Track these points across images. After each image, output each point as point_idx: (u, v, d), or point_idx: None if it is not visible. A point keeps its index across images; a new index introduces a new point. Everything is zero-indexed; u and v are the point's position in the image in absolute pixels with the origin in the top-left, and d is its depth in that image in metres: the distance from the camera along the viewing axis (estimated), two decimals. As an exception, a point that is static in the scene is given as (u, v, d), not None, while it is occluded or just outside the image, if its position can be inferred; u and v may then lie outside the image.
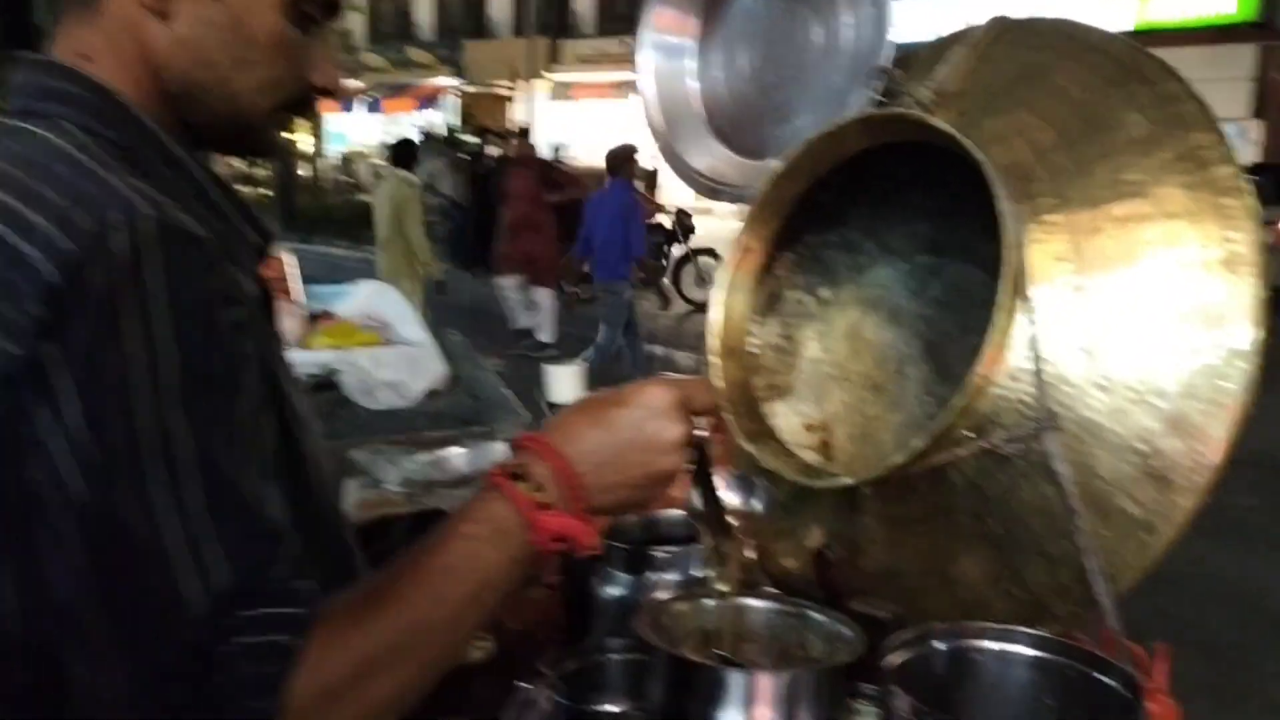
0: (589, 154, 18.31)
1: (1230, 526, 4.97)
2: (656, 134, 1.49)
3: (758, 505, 1.05)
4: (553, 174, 9.52)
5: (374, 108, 28.77)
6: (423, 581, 0.76)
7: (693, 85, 1.49)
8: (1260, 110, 16.45)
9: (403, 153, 7.62)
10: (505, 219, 8.83)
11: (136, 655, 0.66)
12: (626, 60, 1.59)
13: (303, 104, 0.93)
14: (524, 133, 9.56)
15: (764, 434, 1.28)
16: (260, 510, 0.72)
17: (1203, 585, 4.32)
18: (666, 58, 1.49)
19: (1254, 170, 12.54)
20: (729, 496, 1.04)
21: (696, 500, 0.98)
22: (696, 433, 0.88)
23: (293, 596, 0.70)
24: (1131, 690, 0.93)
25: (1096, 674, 0.97)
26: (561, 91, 25.61)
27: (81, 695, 0.68)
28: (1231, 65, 15.20)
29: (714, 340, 1.33)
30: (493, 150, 14.31)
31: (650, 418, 0.84)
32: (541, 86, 25.29)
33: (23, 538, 0.71)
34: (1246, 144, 15.60)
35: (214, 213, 0.87)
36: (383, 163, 7.64)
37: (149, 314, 0.69)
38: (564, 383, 1.21)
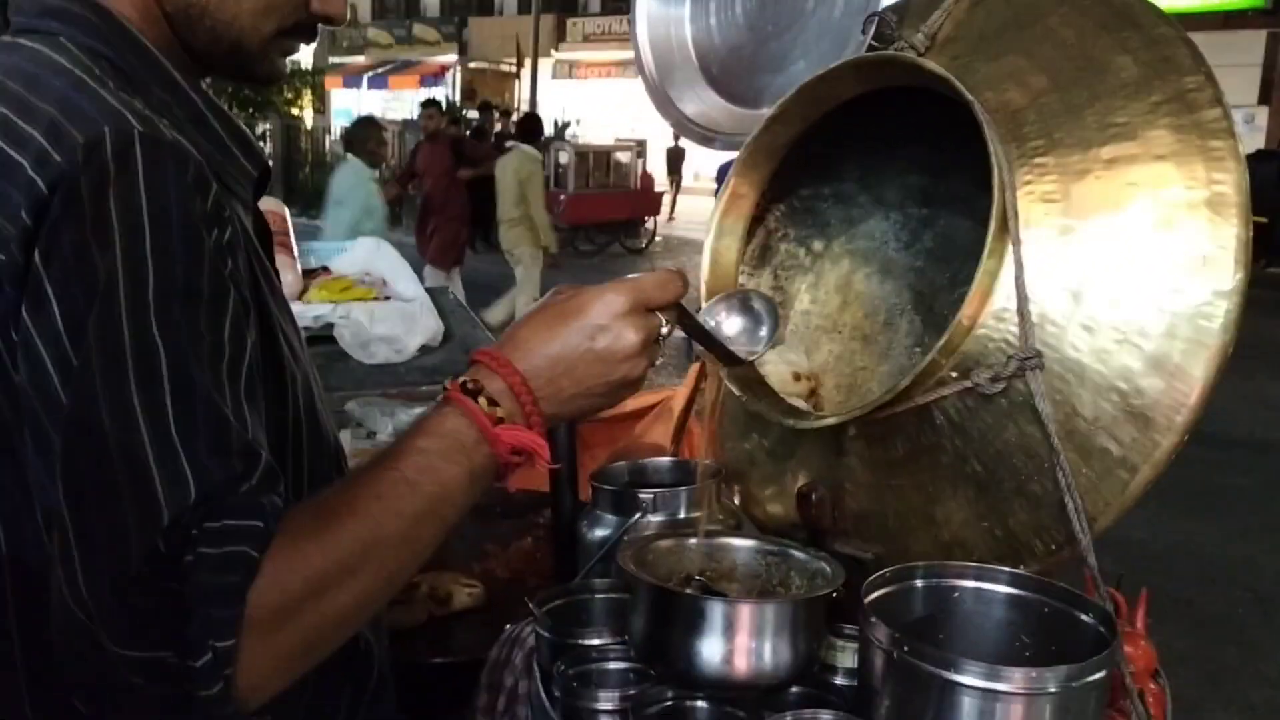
0: (593, 131, 18.29)
1: (1223, 506, 5.00)
2: (648, 79, 1.48)
3: (764, 334, 1.01)
4: (465, 149, 8.97)
5: (377, 83, 28.68)
6: (380, 495, 0.75)
7: (686, 31, 1.48)
8: (1267, 97, 16.40)
9: (528, 127, 7.55)
10: (420, 199, 8.20)
11: (103, 561, 0.66)
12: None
13: (304, 31, 0.92)
14: (431, 103, 9.01)
15: (751, 378, 1.28)
16: (235, 428, 0.72)
17: (1194, 563, 4.35)
18: (661, 3, 1.48)
19: (1260, 157, 12.49)
20: (733, 325, 1.00)
21: (700, 349, 0.96)
22: (662, 330, 0.87)
23: (256, 510, 0.71)
24: (1107, 625, 0.94)
25: (1074, 610, 0.98)
26: (566, 69, 25.51)
27: (57, 604, 0.68)
28: (1240, 51, 15.14)
29: (703, 286, 1.33)
30: (497, 126, 14.32)
31: (604, 328, 0.83)
32: (546, 64, 25.19)
33: (8, 439, 0.72)
34: (1253, 130, 15.56)
35: (209, 139, 0.87)
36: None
37: (134, 226, 0.70)
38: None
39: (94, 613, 0.66)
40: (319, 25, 0.93)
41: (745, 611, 0.99)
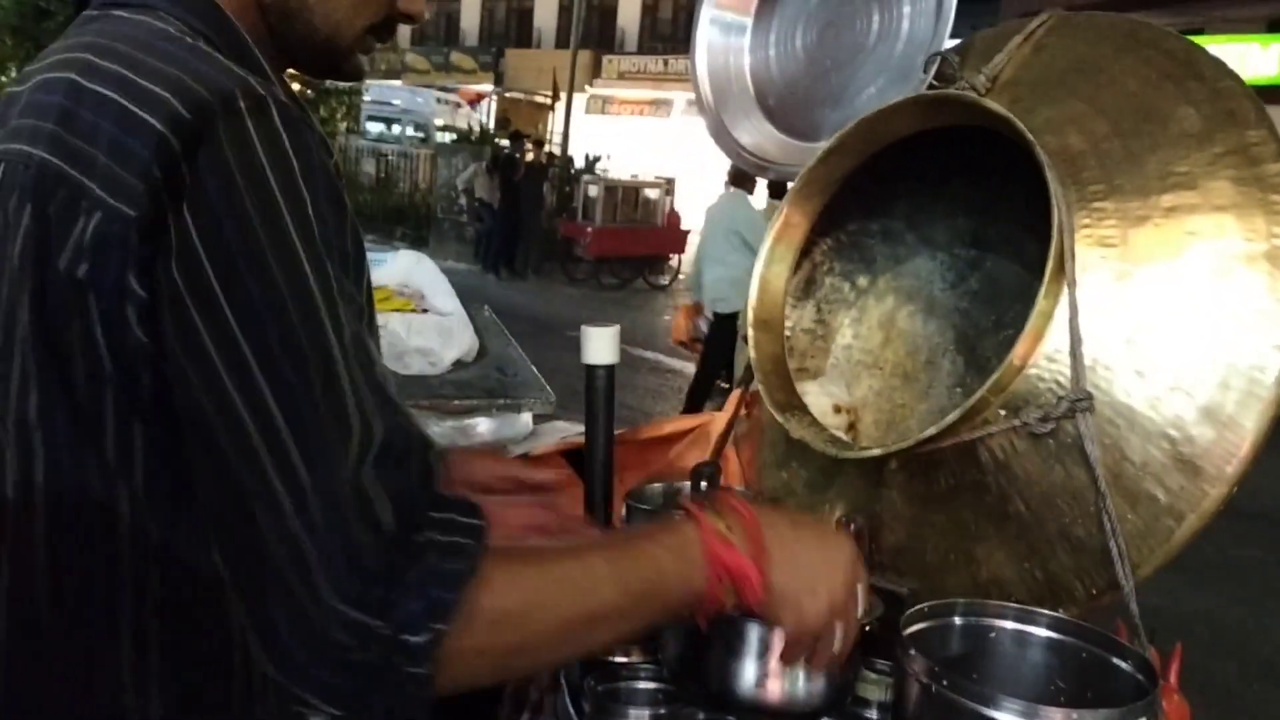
0: (623, 167, 18.45)
1: (1238, 578, 4.94)
2: (705, 109, 1.50)
3: None
4: None
5: (413, 108, 28.93)
6: (607, 563, 0.79)
7: (745, 61, 1.50)
8: (1298, 173, 16.32)
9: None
10: None
11: (324, 477, 0.68)
12: (667, 78, 1.61)
13: (387, 28, 0.93)
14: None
15: (794, 406, 1.28)
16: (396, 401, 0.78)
17: (1209, 634, 4.29)
18: (722, 34, 1.50)
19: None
20: None
21: None
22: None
23: (475, 509, 0.74)
24: (1147, 674, 0.93)
25: (1112, 658, 0.98)
26: (599, 105, 25.75)
27: (274, 548, 0.67)
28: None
29: (750, 312, 1.34)
30: (528, 156, 14.46)
31: (836, 548, 0.92)
32: (580, 98, 25.46)
33: (73, 392, 0.72)
34: (1282, 205, 15.48)
35: None
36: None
37: (287, 171, 0.71)
38: (600, 343, 1.23)
39: (317, 559, 0.66)
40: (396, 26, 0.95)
41: (783, 634, 0.99)
